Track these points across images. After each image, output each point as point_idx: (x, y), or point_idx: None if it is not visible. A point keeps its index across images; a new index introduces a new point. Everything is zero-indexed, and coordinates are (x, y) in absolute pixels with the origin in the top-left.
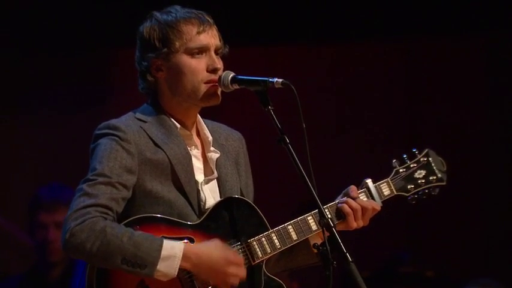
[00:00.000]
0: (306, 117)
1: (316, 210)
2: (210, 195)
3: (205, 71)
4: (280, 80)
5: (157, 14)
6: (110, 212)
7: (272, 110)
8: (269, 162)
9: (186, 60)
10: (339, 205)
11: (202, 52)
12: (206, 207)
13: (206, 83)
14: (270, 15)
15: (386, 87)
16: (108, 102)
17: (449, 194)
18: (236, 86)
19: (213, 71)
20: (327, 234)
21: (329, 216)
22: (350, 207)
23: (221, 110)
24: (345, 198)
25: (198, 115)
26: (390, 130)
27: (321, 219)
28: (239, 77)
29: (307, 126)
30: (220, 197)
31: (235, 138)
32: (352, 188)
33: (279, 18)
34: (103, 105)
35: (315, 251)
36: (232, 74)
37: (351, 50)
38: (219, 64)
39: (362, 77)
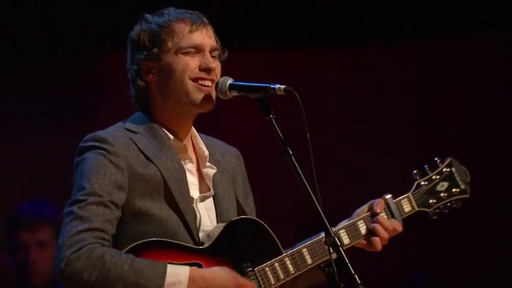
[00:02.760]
0: (310, 127)
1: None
2: (206, 213)
3: (197, 69)
4: (283, 86)
5: (148, 16)
6: (105, 236)
7: (274, 118)
8: (270, 176)
9: (179, 57)
10: (373, 225)
11: (196, 52)
12: (202, 227)
13: (194, 79)
14: (273, 18)
15: (398, 94)
16: (97, 111)
17: (468, 208)
18: (235, 93)
19: (206, 70)
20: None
21: (336, 234)
22: (385, 229)
23: (218, 118)
24: (377, 218)
25: (193, 128)
26: (402, 139)
27: (327, 238)
28: (238, 83)
29: (311, 137)
30: (216, 216)
31: (232, 155)
32: (378, 203)
33: (283, 21)
34: (91, 115)
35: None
36: (230, 80)
37: (360, 54)
38: (214, 64)
39: (372, 82)
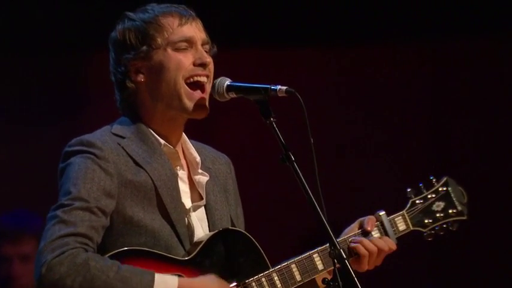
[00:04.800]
0: (314, 131)
1: (324, 246)
2: (198, 224)
3: (191, 65)
4: (284, 87)
5: (130, 14)
6: (90, 243)
7: (275, 122)
8: (271, 183)
9: (171, 54)
10: (352, 245)
11: (187, 46)
12: (195, 238)
13: (189, 77)
14: (274, 14)
15: (410, 96)
16: (82, 113)
17: (480, 224)
18: (233, 95)
19: (201, 65)
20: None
21: (340, 245)
22: (366, 248)
23: (213, 121)
24: (359, 238)
25: (183, 133)
26: (413, 147)
27: (332, 250)
28: (236, 84)
29: (315, 141)
30: (209, 227)
31: (223, 162)
32: (369, 221)
33: (286, 17)
34: (76, 117)
35: (324, 286)
36: (228, 81)
37: (368, 53)
38: (208, 58)
39: (380, 84)
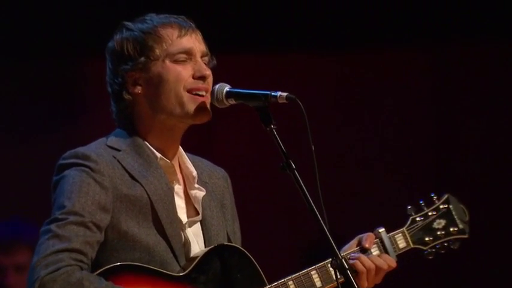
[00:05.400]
0: (315, 138)
1: (322, 263)
2: (194, 239)
3: (191, 78)
4: (285, 94)
5: (129, 24)
6: (84, 259)
7: (275, 129)
8: (271, 192)
9: (170, 66)
10: (351, 261)
11: (187, 58)
12: (191, 255)
13: (190, 90)
14: (273, 18)
15: (410, 103)
16: (77, 123)
17: (490, 238)
18: (232, 101)
19: (201, 78)
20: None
21: (343, 256)
22: (363, 265)
23: (211, 128)
24: (357, 254)
25: (180, 147)
26: (414, 158)
27: (334, 260)
28: (236, 90)
29: (316, 149)
30: (205, 243)
31: (219, 176)
32: (368, 238)
33: (285, 21)
34: (71, 127)
35: None
36: (227, 87)
37: (368, 58)
38: (208, 71)
39: (381, 90)
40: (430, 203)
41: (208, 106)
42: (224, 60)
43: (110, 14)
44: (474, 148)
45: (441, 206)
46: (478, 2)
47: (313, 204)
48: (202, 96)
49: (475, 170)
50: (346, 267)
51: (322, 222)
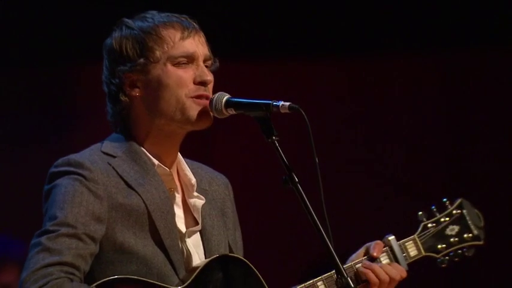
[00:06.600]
0: (319, 150)
1: (329, 274)
2: (194, 250)
3: (192, 84)
4: (287, 103)
5: (129, 21)
6: (76, 273)
7: (277, 140)
8: (272, 206)
9: (170, 70)
10: (362, 270)
11: (188, 62)
12: (190, 266)
13: (193, 97)
14: (276, 26)
15: (418, 112)
16: (69, 130)
17: (507, 245)
18: (232, 111)
19: (202, 83)
20: None
21: (347, 273)
22: (377, 276)
23: (211, 139)
24: (368, 263)
25: (179, 153)
26: (423, 168)
27: (339, 279)
28: (236, 99)
29: (320, 158)
30: (205, 254)
31: (220, 183)
32: (376, 246)
33: (288, 27)
34: (63, 135)
35: None
36: (226, 96)
37: (374, 65)
38: (209, 76)
39: (387, 99)
40: (442, 208)
41: (209, 111)
42: (222, 69)
43: (103, 22)
44: (486, 152)
45: (454, 211)
46: (486, 8)
47: (316, 219)
48: (204, 99)
49: (489, 175)
50: (352, 286)
51: (326, 238)
